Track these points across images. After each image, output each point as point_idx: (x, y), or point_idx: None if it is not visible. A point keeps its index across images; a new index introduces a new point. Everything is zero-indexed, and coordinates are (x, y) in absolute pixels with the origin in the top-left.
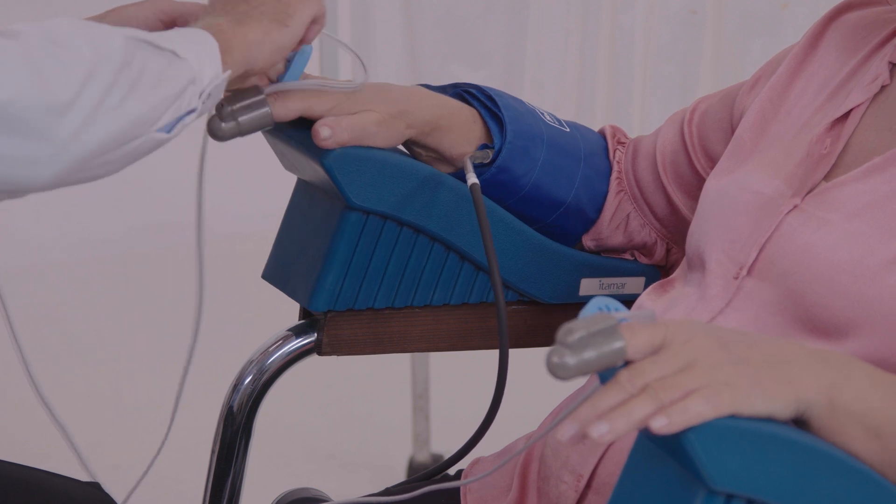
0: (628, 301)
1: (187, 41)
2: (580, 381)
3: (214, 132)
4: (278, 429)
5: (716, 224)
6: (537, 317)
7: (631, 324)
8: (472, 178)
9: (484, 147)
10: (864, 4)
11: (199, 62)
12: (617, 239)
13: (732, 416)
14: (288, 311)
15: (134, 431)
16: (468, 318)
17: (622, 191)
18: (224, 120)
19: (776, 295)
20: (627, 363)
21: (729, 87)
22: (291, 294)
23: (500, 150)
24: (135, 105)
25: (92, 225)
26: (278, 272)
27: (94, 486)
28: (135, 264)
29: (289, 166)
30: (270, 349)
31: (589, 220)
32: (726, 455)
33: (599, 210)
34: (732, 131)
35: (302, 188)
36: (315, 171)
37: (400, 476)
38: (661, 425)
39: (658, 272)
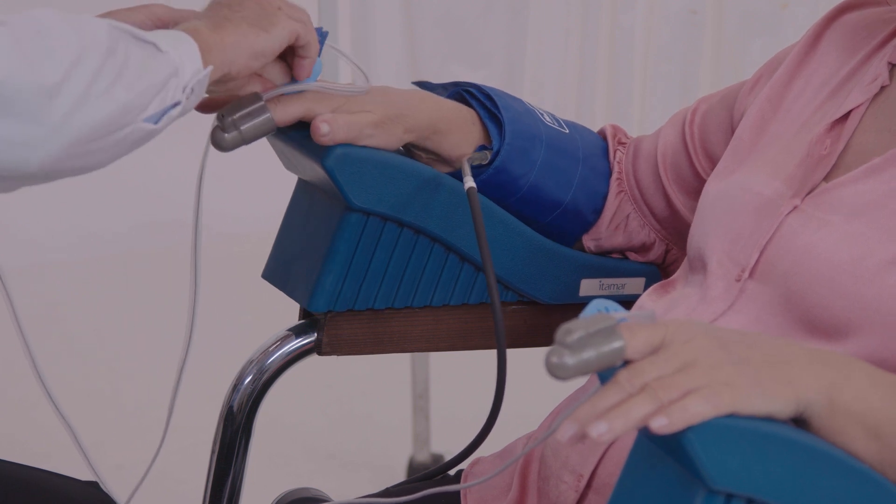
0: (628, 301)
1: (167, 38)
2: (580, 381)
3: (218, 143)
4: (278, 429)
5: (716, 225)
6: (537, 317)
7: (630, 324)
8: (469, 182)
9: (482, 148)
10: (864, 4)
11: (179, 57)
12: (617, 239)
13: (732, 416)
14: (288, 311)
15: (134, 431)
16: (468, 318)
17: (622, 191)
18: (226, 130)
19: (777, 296)
20: (627, 363)
21: (729, 86)
22: (291, 294)
23: (498, 152)
24: (122, 92)
25: (92, 225)
26: (278, 272)
27: (93, 486)
28: (135, 264)
29: (289, 166)
30: (270, 349)
31: (587, 220)
32: (726, 455)
33: (598, 211)
34: (733, 132)
35: (302, 188)
36: (315, 172)
37: (400, 476)
38: (661, 425)
39: (658, 273)
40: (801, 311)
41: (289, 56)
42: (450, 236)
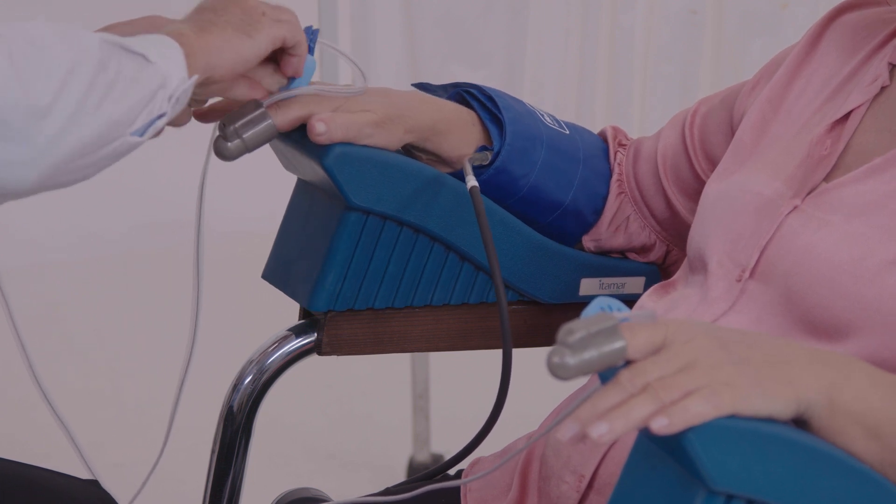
0: (629, 301)
1: (155, 46)
2: (581, 381)
3: (222, 152)
4: (278, 429)
5: (716, 226)
6: (537, 317)
7: (631, 324)
8: (472, 181)
9: (483, 149)
10: (864, 4)
11: (166, 66)
12: (617, 240)
13: (733, 417)
14: (288, 311)
15: (134, 431)
16: (468, 318)
17: (623, 193)
18: (229, 139)
19: (777, 296)
20: (628, 363)
21: (730, 87)
22: (291, 294)
23: (498, 152)
24: (112, 107)
25: (92, 225)
26: (278, 272)
27: (93, 484)
28: (135, 264)
29: (289, 166)
30: (270, 349)
31: (587, 221)
32: (726, 455)
33: (598, 212)
34: (733, 133)
35: (302, 188)
36: (315, 172)
37: (400, 476)
38: (662, 425)
39: (658, 272)
40: (801, 312)
41: (278, 56)
42: (450, 235)
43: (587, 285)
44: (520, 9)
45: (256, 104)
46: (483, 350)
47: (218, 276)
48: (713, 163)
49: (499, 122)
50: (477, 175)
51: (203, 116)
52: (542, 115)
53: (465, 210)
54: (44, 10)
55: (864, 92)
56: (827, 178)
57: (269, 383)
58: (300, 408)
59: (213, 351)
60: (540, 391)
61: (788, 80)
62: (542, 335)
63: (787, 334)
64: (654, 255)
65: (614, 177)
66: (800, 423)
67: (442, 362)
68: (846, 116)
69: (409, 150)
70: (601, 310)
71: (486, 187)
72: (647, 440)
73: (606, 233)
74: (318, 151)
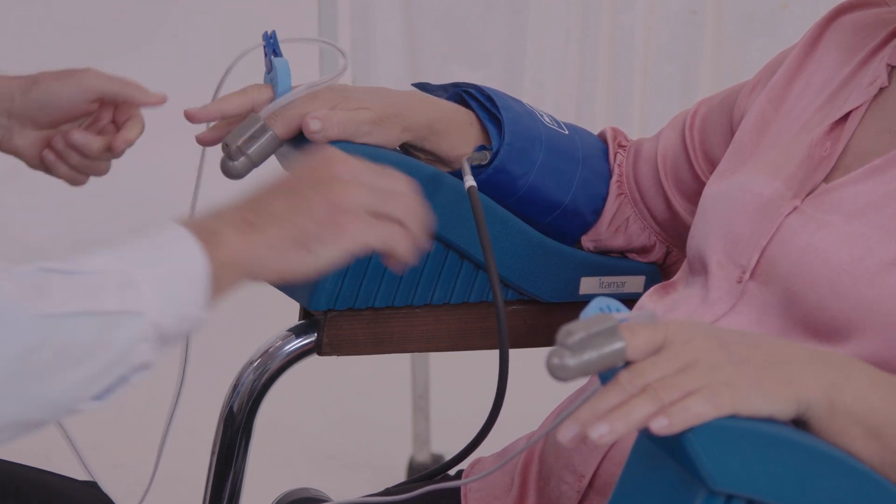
0: (628, 300)
1: (157, 270)
2: (580, 382)
3: (229, 172)
4: (278, 429)
5: (716, 226)
6: (537, 316)
7: (631, 324)
8: (470, 181)
9: (482, 149)
10: (863, 5)
11: (162, 309)
12: (617, 241)
13: (733, 417)
14: (288, 311)
15: (134, 431)
16: (468, 318)
17: (622, 194)
18: (234, 158)
19: (778, 297)
20: (628, 364)
21: (729, 88)
22: (291, 294)
23: (497, 152)
24: (42, 391)
25: (92, 225)
26: None
27: (92, 486)
28: None
29: (287, 167)
30: (270, 349)
31: (586, 222)
32: (726, 455)
33: (597, 212)
34: (732, 134)
35: None
36: None
37: (400, 476)
38: (662, 426)
39: (658, 271)
40: (801, 313)
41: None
42: (449, 234)
43: (587, 284)
44: (520, 9)
45: (254, 118)
46: (483, 350)
47: None
48: (713, 164)
49: (498, 122)
50: (475, 175)
51: (203, 139)
52: (542, 116)
53: (465, 208)
54: (44, 10)
55: (863, 93)
56: (826, 179)
57: (269, 384)
58: (300, 408)
59: (213, 351)
60: (540, 391)
61: (788, 80)
62: (541, 335)
63: (787, 335)
64: (655, 256)
65: (614, 178)
66: (800, 423)
67: (442, 362)
68: (845, 117)
69: (407, 149)
70: (600, 310)
71: (485, 187)
72: (648, 440)
73: (606, 233)
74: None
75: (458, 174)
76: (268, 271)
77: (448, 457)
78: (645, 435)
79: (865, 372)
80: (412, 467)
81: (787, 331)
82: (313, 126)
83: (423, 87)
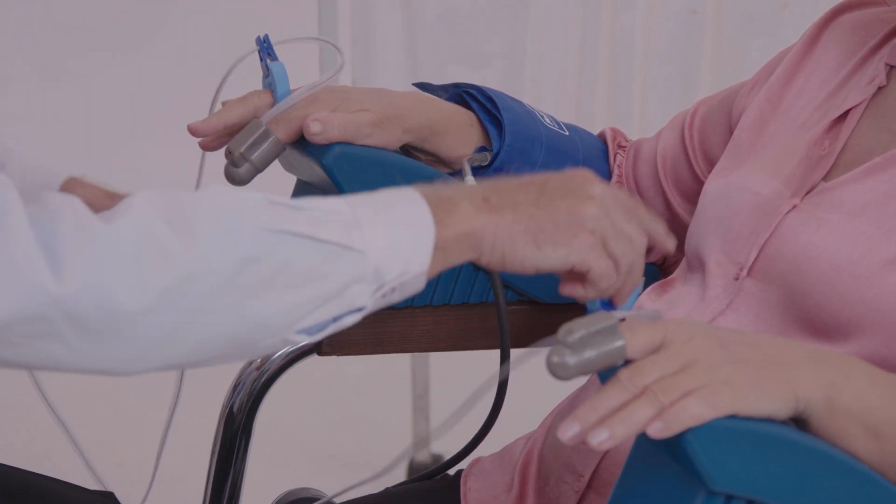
0: None
1: (384, 218)
2: (580, 381)
3: (233, 178)
4: (278, 429)
5: (715, 224)
6: (537, 317)
7: (631, 323)
8: (471, 181)
9: (482, 150)
10: (862, 4)
11: (382, 258)
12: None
13: (732, 417)
14: None
15: (134, 431)
16: (468, 318)
17: None
18: (237, 165)
19: (776, 296)
20: (628, 362)
21: (729, 88)
22: None
23: (497, 153)
24: (257, 307)
25: None
26: None
27: (108, 497)
28: None
29: (289, 167)
30: None
31: None
32: (726, 455)
33: None
34: (731, 134)
35: (301, 189)
36: (314, 172)
37: (400, 476)
38: (657, 429)
39: (657, 272)
40: (800, 311)
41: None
42: None
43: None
44: (520, 9)
45: (256, 124)
46: (483, 350)
47: None
48: (712, 164)
49: (498, 123)
50: (476, 175)
51: (207, 146)
52: (542, 117)
53: None
54: (44, 10)
55: (861, 92)
56: (826, 178)
57: (269, 384)
58: (300, 408)
59: None
60: (539, 391)
61: (787, 79)
62: (541, 335)
63: (786, 333)
64: (654, 256)
65: (614, 178)
66: (799, 422)
67: (442, 362)
68: (844, 116)
69: (407, 150)
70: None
71: None
72: (647, 441)
73: None
74: (317, 151)
75: (459, 175)
76: (492, 252)
77: (448, 457)
78: (644, 436)
79: (865, 371)
80: (412, 467)
81: (785, 329)
82: (314, 128)
83: (424, 86)
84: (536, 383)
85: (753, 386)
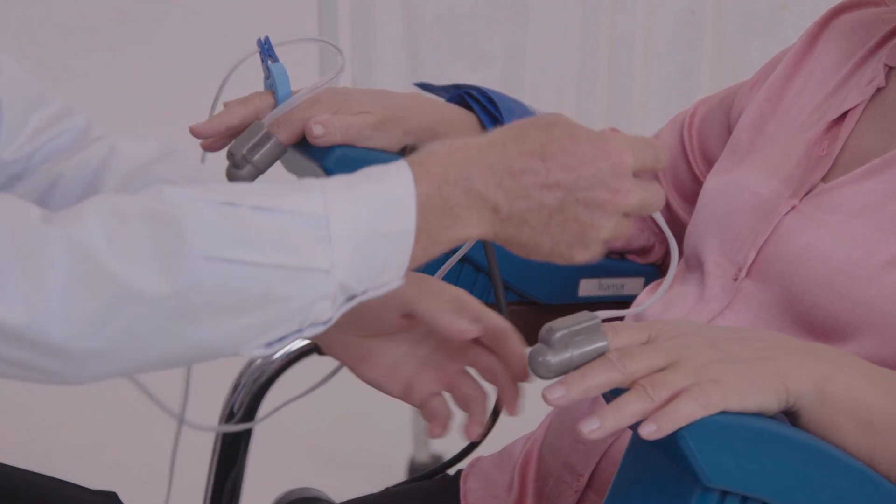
0: (628, 301)
1: (360, 233)
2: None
3: (235, 180)
4: (278, 429)
5: (713, 224)
6: (536, 317)
7: (614, 324)
8: None
9: None
10: (862, 4)
11: (354, 270)
12: (616, 243)
13: (724, 413)
14: None
15: (135, 431)
16: None
17: None
18: (239, 167)
19: (775, 296)
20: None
21: (728, 88)
22: None
23: None
24: (200, 332)
25: None
26: None
27: (110, 496)
28: None
29: (290, 168)
30: None
31: None
32: (719, 452)
33: None
34: (730, 134)
35: None
36: (315, 173)
37: (400, 476)
38: (650, 431)
39: (657, 273)
40: (799, 311)
41: None
42: None
43: (586, 286)
44: (520, 9)
45: (258, 126)
46: None
47: None
48: (711, 164)
49: (499, 124)
50: None
51: (209, 147)
52: None
53: None
54: (44, 10)
55: (860, 93)
56: (824, 179)
57: (270, 384)
58: (300, 408)
59: None
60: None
61: (786, 78)
62: None
63: (784, 333)
64: (654, 257)
65: None
66: (790, 415)
67: None
68: (843, 117)
69: (408, 151)
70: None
71: None
72: (642, 439)
73: None
74: (318, 154)
75: None
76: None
77: (448, 457)
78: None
79: (856, 364)
80: (412, 467)
81: (783, 329)
82: (316, 131)
83: (425, 87)
84: (536, 383)
85: (743, 382)
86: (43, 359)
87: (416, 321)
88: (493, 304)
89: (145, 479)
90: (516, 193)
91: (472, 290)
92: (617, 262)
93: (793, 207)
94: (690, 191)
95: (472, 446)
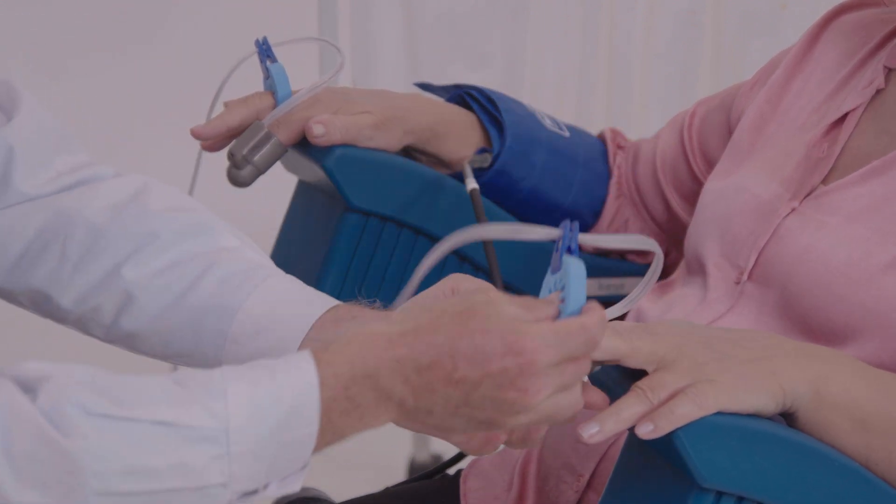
0: None
1: (257, 454)
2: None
3: (235, 180)
4: None
5: (714, 226)
6: None
7: (616, 324)
8: (472, 184)
9: (483, 151)
10: (862, 5)
11: (247, 483)
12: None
13: (720, 413)
14: None
15: None
16: None
17: (622, 195)
18: (240, 167)
19: (775, 298)
20: (612, 364)
21: (728, 88)
22: None
23: (498, 155)
24: None
25: None
26: None
27: None
28: None
29: (290, 167)
30: None
31: (586, 223)
32: (715, 452)
33: (597, 214)
34: (730, 134)
35: (303, 189)
36: (315, 173)
37: (400, 476)
38: (647, 431)
39: None
40: (799, 314)
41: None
42: None
43: (586, 286)
44: (520, 9)
45: (258, 126)
46: None
47: None
48: (711, 164)
49: (499, 125)
50: (477, 177)
51: (210, 148)
52: (543, 118)
53: (466, 211)
54: (44, 10)
55: (860, 94)
56: (824, 181)
57: None
58: None
59: None
60: None
61: (787, 79)
62: None
63: (785, 336)
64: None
65: (613, 179)
66: (787, 416)
67: None
68: (843, 118)
69: (409, 151)
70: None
71: (486, 189)
72: (638, 439)
73: None
74: (318, 153)
75: (460, 177)
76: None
77: (448, 457)
78: (635, 435)
79: (852, 365)
80: (412, 467)
81: (785, 332)
82: (317, 131)
83: (425, 87)
84: None
85: (738, 382)
86: None
87: None
88: None
89: None
90: (422, 389)
91: None
92: (617, 262)
93: (793, 209)
94: (690, 191)
95: None
